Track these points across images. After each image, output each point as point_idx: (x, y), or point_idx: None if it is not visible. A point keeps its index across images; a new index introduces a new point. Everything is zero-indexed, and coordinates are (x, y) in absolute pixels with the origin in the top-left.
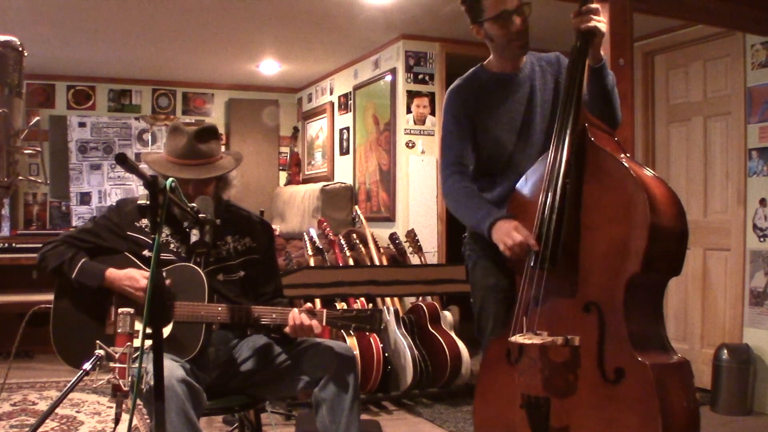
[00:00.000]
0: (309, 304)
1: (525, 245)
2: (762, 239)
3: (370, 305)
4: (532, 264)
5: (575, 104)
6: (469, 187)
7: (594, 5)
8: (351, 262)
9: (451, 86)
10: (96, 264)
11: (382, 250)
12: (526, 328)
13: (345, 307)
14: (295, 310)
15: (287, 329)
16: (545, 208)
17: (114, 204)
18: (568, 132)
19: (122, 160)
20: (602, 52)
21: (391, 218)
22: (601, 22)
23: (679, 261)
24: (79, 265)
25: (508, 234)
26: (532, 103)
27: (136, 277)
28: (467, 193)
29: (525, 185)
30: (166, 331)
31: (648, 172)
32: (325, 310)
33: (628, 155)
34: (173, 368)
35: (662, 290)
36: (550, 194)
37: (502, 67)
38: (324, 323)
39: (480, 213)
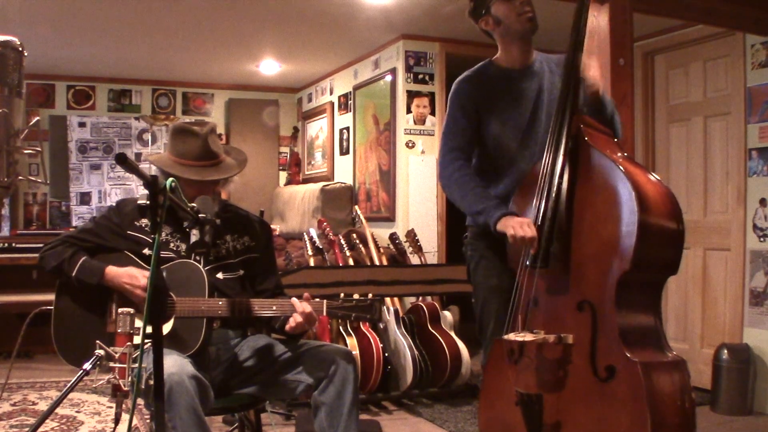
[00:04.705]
0: (307, 294)
1: (529, 242)
2: (762, 239)
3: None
4: (527, 264)
5: (571, 104)
6: (473, 175)
7: None
8: (351, 262)
9: (459, 77)
10: (95, 262)
11: (382, 250)
12: (522, 326)
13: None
14: (295, 299)
15: (290, 323)
16: (539, 209)
17: (114, 204)
18: (564, 132)
19: (122, 160)
20: (600, 73)
21: (391, 218)
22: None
23: (674, 260)
24: (79, 263)
25: (521, 225)
26: (539, 102)
27: (136, 276)
28: (473, 179)
29: (526, 185)
30: (168, 327)
31: (642, 171)
32: (325, 301)
33: (626, 154)
34: (183, 364)
35: (658, 289)
36: (544, 195)
37: (511, 62)
38: (324, 313)
39: (488, 203)
